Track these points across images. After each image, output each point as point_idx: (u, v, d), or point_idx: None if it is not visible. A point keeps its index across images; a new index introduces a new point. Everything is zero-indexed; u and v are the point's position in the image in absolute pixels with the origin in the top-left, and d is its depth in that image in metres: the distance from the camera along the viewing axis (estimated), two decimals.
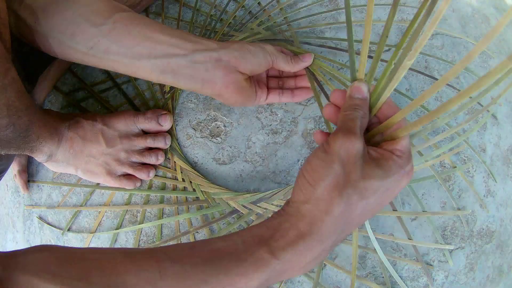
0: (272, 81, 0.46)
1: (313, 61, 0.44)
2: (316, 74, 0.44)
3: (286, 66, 0.42)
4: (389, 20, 0.30)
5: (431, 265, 0.43)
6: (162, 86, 0.52)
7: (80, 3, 0.38)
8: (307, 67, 0.44)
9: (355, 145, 0.26)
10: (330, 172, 0.26)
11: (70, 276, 0.26)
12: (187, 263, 0.27)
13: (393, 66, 0.28)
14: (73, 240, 0.50)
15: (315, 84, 0.43)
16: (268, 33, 0.50)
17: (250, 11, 0.54)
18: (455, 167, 0.45)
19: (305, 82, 0.45)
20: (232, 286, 0.26)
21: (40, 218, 0.52)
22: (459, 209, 0.44)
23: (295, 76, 0.46)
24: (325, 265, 0.43)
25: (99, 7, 0.38)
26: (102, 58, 0.38)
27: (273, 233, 0.27)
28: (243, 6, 0.54)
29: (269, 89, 0.45)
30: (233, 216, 0.46)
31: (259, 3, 0.54)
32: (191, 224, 0.47)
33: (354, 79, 0.32)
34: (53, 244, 0.51)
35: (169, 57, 0.37)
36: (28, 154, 0.43)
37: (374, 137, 0.31)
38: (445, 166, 0.45)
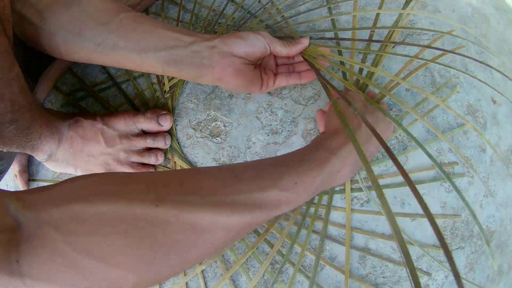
0: (282, 67, 0.47)
1: (310, 45, 0.45)
2: (318, 65, 0.44)
3: (283, 49, 0.43)
4: None
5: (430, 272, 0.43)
6: (162, 86, 0.52)
7: (87, 2, 0.39)
8: (310, 63, 0.44)
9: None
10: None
11: (133, 191, 0.24)
12: (260, 167, 0.29)
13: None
14: None
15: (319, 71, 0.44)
16: (267, 31, 0.50)
17: (249, 11, 0.54)
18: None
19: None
20: (301, 181, 0.28)
21: None
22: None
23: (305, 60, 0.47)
24: (324, 265, 0.43)
25: (105, 6, 0.40)
26: (109, 54, 0.40)
27: (325, 140, 0.32)
28: (242, 7, 0.54)
29: (277, 74, 0.45)
30: None
31: (259, 1, 0.54)
32: None
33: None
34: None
35: (171, 48, 0.40)
36: (29, 153, 0.43)
37: None
38: (445, 164, 0.45)
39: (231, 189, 0.25)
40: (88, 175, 0.27)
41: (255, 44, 0.41)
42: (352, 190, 0.44)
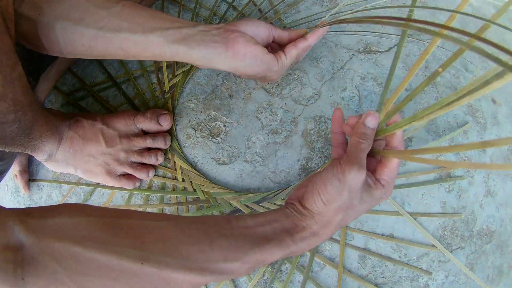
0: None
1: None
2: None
3: (285, 32, 0.44)
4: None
5: (429, 270, 0.43)
6: (162, 86, 0.52)
7: None
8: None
9: (362, 178, 0.33)
10: (341, 198, 0.33)
11: (123, 245, 0.28)
12: (230, 237, 0.32)
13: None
14: None
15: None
16: None
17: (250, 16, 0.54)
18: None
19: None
20: (261, 258, 0.32)
21: None
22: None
23: None
24: (324, 265, 0.43)
25: None
26: (112, 37, 0.38)
27: (294, 227, 0.34)
28: (242, 14, 0.54)
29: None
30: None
31: (259, 10, 0.54)
32: None
33: (378, 109, 0.35)
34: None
35: (179, 28, 0.39)
36: (30, 153, 0.43)
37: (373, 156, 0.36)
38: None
39: (203, 256, 0.30)
40: (83, 212, 0.30)
41: (259, 24, 0.41)
42: None
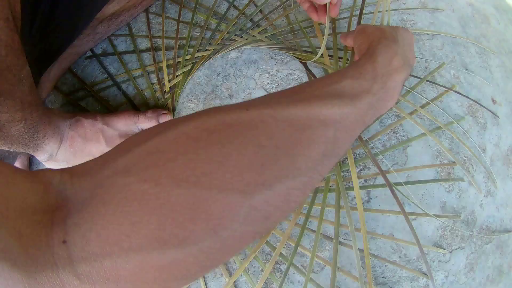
0: None
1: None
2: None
3: None
4: None
5: (426, 274, 0.43)
6: (162, 86, 0.52)
7: None
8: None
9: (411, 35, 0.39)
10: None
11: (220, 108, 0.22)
12: (325, 77, 0.29)
13: None
14: None
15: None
16: (270, 42, 0.50)
17: (252, 18, 0.54)
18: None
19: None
20: (364, 69, 0.30)
21: None
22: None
23: None
24: (324, 265, 0.43)
25: None
26: None
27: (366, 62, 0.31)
28: (243, 13, 0.54)
29: None
30: None
31: (260, 11, 0.54)
32: None
33: None
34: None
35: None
36: (31, 153, 0.43)
37: None
38: (444, 166, 0.45)
39: (314, 85, 0.26)
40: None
41: None
42: (349, 188, 0.44)
